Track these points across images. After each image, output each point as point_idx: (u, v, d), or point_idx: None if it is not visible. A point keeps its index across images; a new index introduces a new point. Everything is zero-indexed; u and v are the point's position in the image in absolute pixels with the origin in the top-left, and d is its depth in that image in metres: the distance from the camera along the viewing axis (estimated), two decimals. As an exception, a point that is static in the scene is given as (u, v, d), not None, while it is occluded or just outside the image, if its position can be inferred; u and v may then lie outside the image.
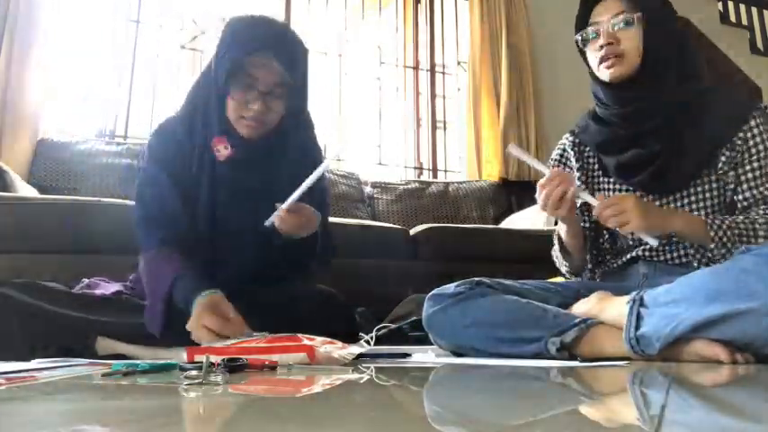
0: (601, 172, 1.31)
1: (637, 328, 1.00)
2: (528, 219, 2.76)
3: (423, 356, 1.16)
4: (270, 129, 1.24)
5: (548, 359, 1.04)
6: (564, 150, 1.38)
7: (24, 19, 2.50)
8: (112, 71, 2.91)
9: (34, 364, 0.93)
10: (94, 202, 1.93)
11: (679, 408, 0.52)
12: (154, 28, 3.07)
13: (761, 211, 1.15)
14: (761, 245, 1.05)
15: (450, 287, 1.25)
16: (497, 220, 3.02)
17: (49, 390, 0.65)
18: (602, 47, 1.19)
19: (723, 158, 1.18)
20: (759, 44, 4.80)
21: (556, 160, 1.39)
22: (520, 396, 0.63)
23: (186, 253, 1.20)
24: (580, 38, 1.25)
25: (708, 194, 1.20)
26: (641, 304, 1.01)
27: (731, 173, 1.18)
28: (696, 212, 1.20)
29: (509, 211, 3.12)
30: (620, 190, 1.28)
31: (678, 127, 1.19)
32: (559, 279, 1.50)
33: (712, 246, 1.10)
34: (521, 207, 3.11)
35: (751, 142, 1.17)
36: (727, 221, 1.11)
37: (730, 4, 4.91)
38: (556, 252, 1.38)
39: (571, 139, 1.36)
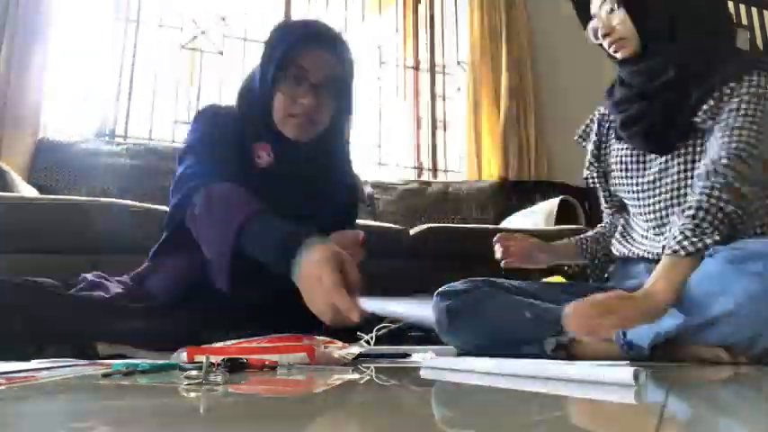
0: (613, 134, 1.32)
1: (625, 333, 1.01)
2: (528, 219, 2.76)
3: (423, 356, 1.16)
4: (317, 131, 1.14)
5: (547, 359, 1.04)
6: (590, 123, 1.40)
7: (24, 19, 2.51)
8: (112, 71, 2.91)
9: (34, 364, 0.93)
10: (94, 202, 1.93)
11: (679, 407, 0.52)
12: (154, 28, 3.07)
13: (697, 196, 1.03)
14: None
15: (457, 285, 1.25)
16: (497, 220, 3.02)
17: (48, 390, 0.65)
18: (604, 37, 1.22)
19: (707, 106, 1.11)
20: (759, 44, 4.80)
21: (581, 137, 1.41)
22: (518, 394, 0.63)
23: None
24: (591, 34, 1.26)
25: (696, 150, 1.16)
26: None
27: (709, 122, 1.11)
28: (684, 173, 1.17)
29: (509, 211, 3.11)
30: (620, 150, 1.28)
31: (684, 86, 1.16)
32: (559, 279, 1.51)
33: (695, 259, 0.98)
34: (521, 207, 3.11)
35: (743, 90, 1.09)
36: (681, 232, 1.00)
37: (730, 5, 4.91)
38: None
39: (601, 111, 1.38)
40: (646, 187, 1.23)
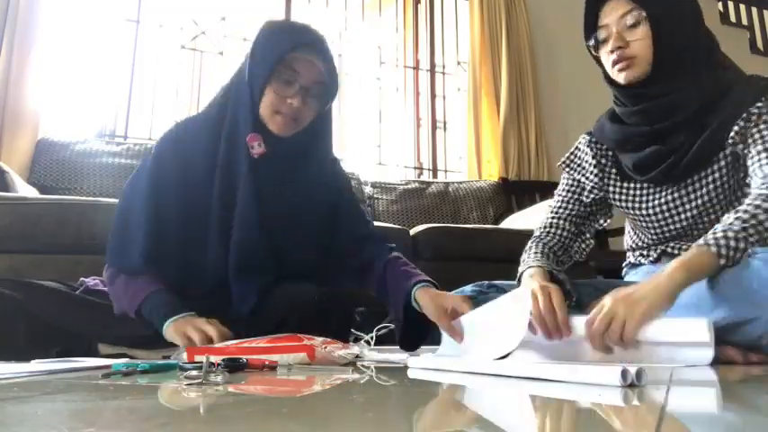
0: (615, 171, 1.27)
1: None
2: (528, 219, 2.76)
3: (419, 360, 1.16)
4: (300, 128, 1.23)
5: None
6: (576, 151, 1.34)
7: (24, 19, 2.51)
8: (112, 71, 2.91)
9: (34, 364, 0.93)
10: (94, 202, 1.93)
11: (679, 408, 0.52)
12: (154, 28, 3.07)
13: (756, 192, 1.03)
14: None
15: (466, 291, 1.26)
16: (497, 220, 3.02)
17: (48, 390, 0.65)
18: (612, 50, 1.15)
19: (736, 128, 1.09)
20: (759, 44, 4.80)
21: (564, 163, 1.36)
22: (519, 393, 0.63)
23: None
24: (593, 41, 1.20)
25: (723, 172, 1.14)
26: None
27: (740, 145, 1.11)
28: (711, 194, 1.15)
29: (509, 211, 3.11)
30: (629, 189, 1.24)
31: (701, 118, 1.13)
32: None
33: (723, 262, 0.96)
34: (521, 207, 3.11)
35: (766, 114, 1.09)
36: (722, 230, 0.98)
37: (730, 4, 4.91)
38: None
39: (588, 138, 1.32)
40: (660, 216, 1.21)
